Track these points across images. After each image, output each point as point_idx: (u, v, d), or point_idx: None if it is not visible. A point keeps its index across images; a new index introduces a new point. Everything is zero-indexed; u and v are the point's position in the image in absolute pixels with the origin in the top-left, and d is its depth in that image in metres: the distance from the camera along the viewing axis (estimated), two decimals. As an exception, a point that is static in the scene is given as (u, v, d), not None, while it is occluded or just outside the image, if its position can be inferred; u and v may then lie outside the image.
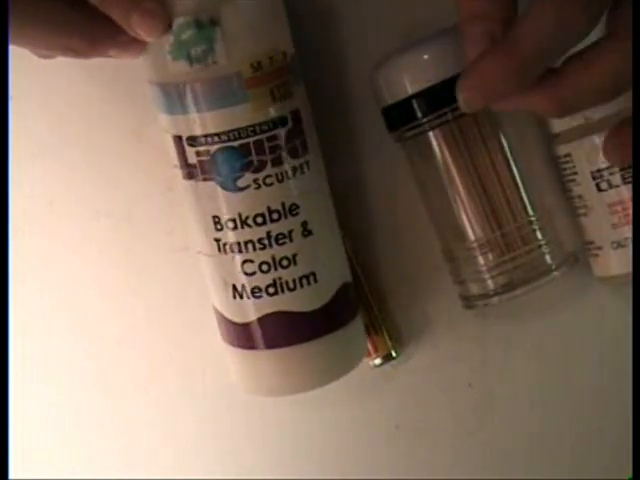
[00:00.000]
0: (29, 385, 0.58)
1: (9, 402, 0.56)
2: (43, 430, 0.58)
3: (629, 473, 0.52)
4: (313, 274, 0.50)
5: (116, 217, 0.57)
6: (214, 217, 0.50)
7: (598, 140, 0.53)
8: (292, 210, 0.50)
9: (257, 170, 0.49)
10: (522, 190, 0.54)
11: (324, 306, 0.51)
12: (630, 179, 0.53)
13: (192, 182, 0.50)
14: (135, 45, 0.48)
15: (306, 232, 0.50)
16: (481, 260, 0.54)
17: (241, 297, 0.50)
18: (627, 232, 0.53)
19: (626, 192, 0.53)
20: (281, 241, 0.50)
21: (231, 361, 0.53)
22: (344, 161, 0.56)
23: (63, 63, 0.54)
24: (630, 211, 0.53)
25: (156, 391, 0.58)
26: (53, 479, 0.58)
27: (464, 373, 0.58)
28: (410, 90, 0.52)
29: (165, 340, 0.58)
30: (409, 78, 0.52)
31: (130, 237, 0.58)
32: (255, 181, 0.49)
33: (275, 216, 0.49)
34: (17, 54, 0.51)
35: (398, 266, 0.58)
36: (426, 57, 0.52)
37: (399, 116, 0.53)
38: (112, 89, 0.56)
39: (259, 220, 0.49)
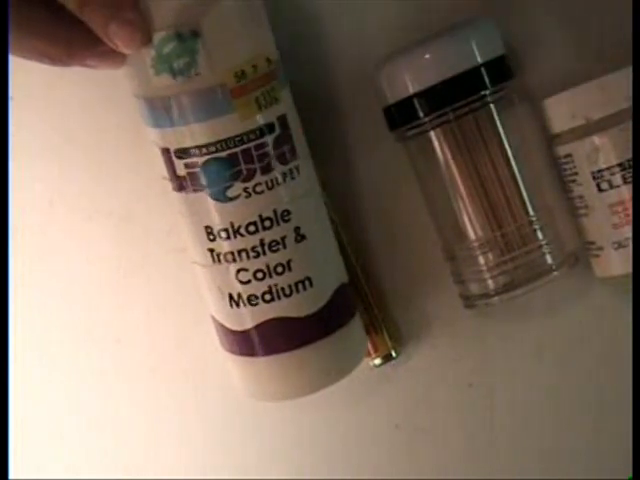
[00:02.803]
0: (29, 385, 0.58)
1: (9, 402, 0.56)
2: (43, 430, 0.58)
3: (629, 473, 0.52)
4: (308, 279, 0.50)
5: (116, 217, 0.57)
6: (206, 228, 0.50)
7: (598, 140, 0.53)
8: (284, 216, 0.49)
9: (247, 179, 0.49)
10: (523, 190, 0.54)
11: (321, 309, 0.51)
12: (631, 179, 0.53)
13: (182, 194, 0.50)
14: (114, 57, 0.48)
15: (299, 237, 0.50)
16: (481, 260, 0.54)
17: (238, 305, 0.50)
18: (628, 232, 0.53)
19: (627, 192, 0.53)
20: (274, 248, 0.49)
21: (232, 368, 0.53)
22: (343, 161, 0.57)
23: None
24: (631, 211, 0.53)
25: (156, 391, 0.58)
26: (53, 479, 0.58)
27: (464, 373, 0.58)
28: (411, 89, 0.52)
29: (165, 340, 0.58)
30: (410, 78, 0.52)
31: (130, 237, 0.58)
32: (245, 190, 0.49)
33: (267, 223, 0.49)
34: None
35: (398, 266, 0.58)
36: (427, 57, 0.52)
37: (400, 115, 0.53)
38: (112, 89, 0.56)
39: (251, 229, 0.49)
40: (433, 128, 0.53)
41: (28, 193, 0.57)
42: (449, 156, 0.53)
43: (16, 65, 0.53)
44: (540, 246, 0.54)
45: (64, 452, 0.58)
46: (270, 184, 0.49)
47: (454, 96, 0.52)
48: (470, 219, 0.54)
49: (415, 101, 0.52)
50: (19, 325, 0.57)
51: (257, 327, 0.50)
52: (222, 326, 0.52)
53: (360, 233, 0.57)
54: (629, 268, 0.53)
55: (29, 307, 0.57)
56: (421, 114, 0.53)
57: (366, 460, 0.59)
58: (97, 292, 0.58)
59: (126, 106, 0.56)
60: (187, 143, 0.48)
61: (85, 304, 0.58)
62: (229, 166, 0.48)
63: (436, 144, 0.53)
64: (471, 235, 0.54)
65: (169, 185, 0.50)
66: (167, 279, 0.58)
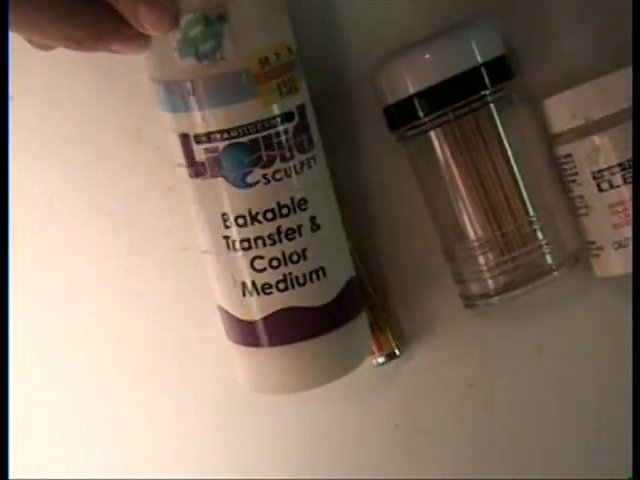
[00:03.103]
0: (29, 385, 0.58)
1: (9, 402, 0.56)
2: (43, 430, 0.58)
3: (629, 473, 0.52)
4: (322, 268, 0.50)
5: (116, 217, 0.57)
6: (223, 214, 0.49)
7: (598, 140, 0.53)
8: (301, 205, 0.49)
9: (266, 165, 0.49)
10: (523, 190, 0.54)
11: (333, 300, 0.51)
12: (631, 179, 0.53)
13: (199, 180, 0.50)
14: (139, 40, 0.47)
15: (314, 226, 0.50)
16: (481, 260, 0.54)
17: (251, 294, 0.50)
18: (628, 232, 0.53)
19: (627, 192, 0.53)
20: (291, 236, 0.49)
21: (238, 360, 0.53)
22: (345, 161, 0.56)
23: (63, 63, 0.54)
24: (631, 211, 0.53)
25: (156, 391, 0.58)
26: (53, 479, 0.58)
27: (464, 373, 0.58)
28: (411, 90, 0.52)
29: (165, 340, 0.58)
30: (410, 78, 0.52)
31: (130, 237, 0.57)
32: (264, 176, 0.49)
33: (285, 211, 0.49)
34: (18, 54, 0.51)
35: (398, 266, 0.58)
36: (427, 57, 0.52)
37: (400, 115, 0.53)
38: (112, 89, 0.56)
39: (269, 216, 0.49)
40: (433, 128, 0.53)
41: (28, 193, 0.57)
42: (449, 156, 0.53)
43: (16, 65, 0.53)
44: (540, 246, 0.54)
45: (64, 452, 0.58)
46: (289, 172, 0.49)
47: (454, 96, 0.52)
48: (470, 219, 0.54)
49: (415, 101, 0.52)
50: (19, 325, 0.57)
51: (270, 317, 0.50)
52: (231, 316, 0.52)
53: (360, 233, 0.57)
54: (629, 268, 0.53)
55: (29, 307, 0.57)
56: (421, 114, 0.53)
57: (366, 460, 0.59)
58: (97, 292, 0.58)
59: (126, 106, 0.56)
60: (208, 128, 0.48)
61: (85, 304, 0.58)
62: (250, 152, 0.48)
63: (436, 144, 0.53)
64: (471, 235, 0.54)
65: (184, 172, 0.50)
66: (167, 279, 0.58)
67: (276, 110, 0.49)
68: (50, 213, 0.57)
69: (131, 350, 0.58)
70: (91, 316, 0.58)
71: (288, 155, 0.49)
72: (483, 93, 0.52)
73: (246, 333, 0.51)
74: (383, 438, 0.59)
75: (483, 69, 0.52)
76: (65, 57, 0.50)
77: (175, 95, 0.49)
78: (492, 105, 0.53)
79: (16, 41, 0.48)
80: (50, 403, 0.58)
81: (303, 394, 0.54)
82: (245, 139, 0.48)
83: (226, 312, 0.52)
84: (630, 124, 0.52)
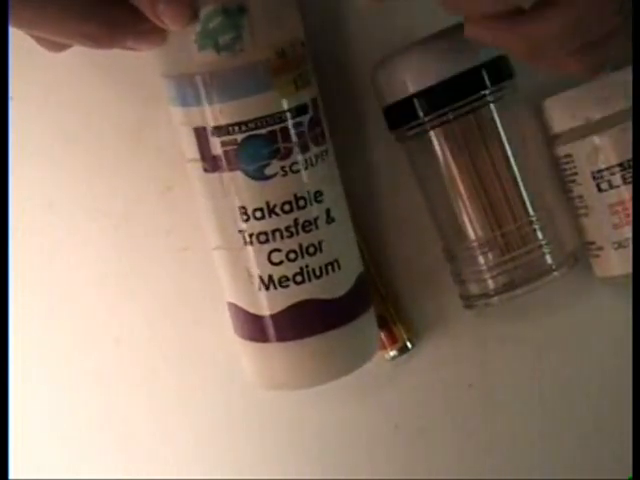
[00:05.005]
0: (29, 385, 0.58)
1: (9, 402, 0.56)
2: (43, 430, 0.58)
3: (629, 473, 0.52)
4: (337, 261, 0.50)
5: (116, 217, 0.57)
6: (240, 208, 0.49)
7: (598, 141, 0.53)
8: (317, 197, 0.50)
9: (284, 157, 0.49)
10: (522, 190, 0.54)
11: (347, 293, 0.51)
12: (630, 179, 0.53)
13: (216, 174, 0.49)
14: (155, 35, 0.47)
15: (329, 219, 0.50)
16: (481, 260, 0.54)
17: (267, 288, 0.50)
18: (628, 232, 0.53)
19: (626, 192, 0.53)
20: (307, 228, 0.49)
21: (250, 357, 0.52)
22: (343, 161, 0.56)
23: (63, 63, 0.54)
24: (631, 211, 0.53)
25: (155, 391, 0.58)
26: (53, 479, 0.58)
27: (464, 373, 0.58)
28: (411, 89, 0.52)
29: (164, 340, 0.58)
30: (410, 77, 0.52)
31: (129, 237, 0.57)
32: (282, 168, 0.49)
33: (302, 203, 0.49)
34: (17, 54, 0.51)
35: (397, 267, 0.58)
36: (427, 57, 0.52)
37: (400, 115, 0.53)
38: (112, 89, 0.56)
39: (286, 208, 0.49)
40: (433, 128, 0.53)
41: (28, 193, 0.57)
42: (449, 156, 0.53)
43: (16, 66, 0.53)
44: (540, 246, 0.54)
45: (64, 452, 0.58)
46: (305, 164, 0.49)
47: (454, 96, 0.52)
48: (470, 219, 0.54)
49: (415, 101, 0.52)
50: (19, 325, 0.57)
51: (287, 310, 0.50)
52: (245, 313, 0.51)
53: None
54: (629, 268, 0.53)
55: (29, 307, 0.57)
56: (421, 114, 0.53)
57: (365, 460, 0.59)
58: (97, 292, 0.58)
59: (126, 106, 0.56)
60: (226, 120, 0.48)
61: (85, 304, 0.58)
62: (268, 144, 0.48)
63: (436, 144, 0.53)
64: (471, 235, 0.54)
65: (199, 167, 0.50)
66: (167, 279, 0.58)
67: (292, 102, 0.49)
68: (50, 213, 0.57)
69: (131, 350, 0.58)
70: (90, 316, 0.58)
71: (304, 147, 0.49)
72: (483, 93, 0.52)
73: (261, 329, 0.51)
74: (383, 438, 0.59)
75: (483, 69, 0.52)
76: (65, 57, 0.50)
77: (191, 88, 0.48)
78: (492, 105, 0.53)
79: (16, 41, 0.48)
80: (50, 403, 0.58)
81: (302, 394, 0.54)
82: (263, 131, 0.48)
83: (239, 308, 0.52)
84: (630, 124, 0.52)
